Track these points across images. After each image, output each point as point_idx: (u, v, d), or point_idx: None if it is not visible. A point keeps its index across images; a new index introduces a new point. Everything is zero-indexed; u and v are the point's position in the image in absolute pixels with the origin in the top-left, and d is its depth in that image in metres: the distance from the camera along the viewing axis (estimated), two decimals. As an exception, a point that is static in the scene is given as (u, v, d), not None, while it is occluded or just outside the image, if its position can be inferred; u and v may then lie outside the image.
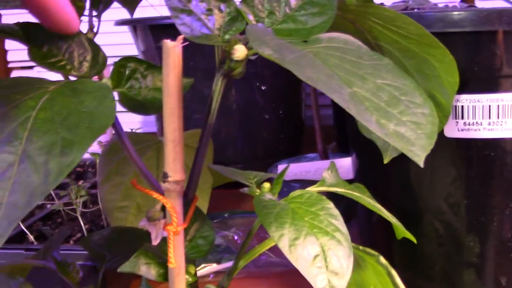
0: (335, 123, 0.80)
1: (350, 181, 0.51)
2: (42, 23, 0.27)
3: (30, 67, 1.15)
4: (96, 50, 0.29)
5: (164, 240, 0.29)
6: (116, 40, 1.08)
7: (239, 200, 0.75)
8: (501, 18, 0.32)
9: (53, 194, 0.58)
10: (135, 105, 0.29)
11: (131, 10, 0.36)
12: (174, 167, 0.26)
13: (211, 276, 0.54)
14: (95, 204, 0.57)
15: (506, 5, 0.81)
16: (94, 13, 0.31)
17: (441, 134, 0.36)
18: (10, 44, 1.13)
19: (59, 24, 0.27)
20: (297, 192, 0.31)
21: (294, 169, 0.59)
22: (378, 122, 0.22)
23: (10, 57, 1.14)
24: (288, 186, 0.55)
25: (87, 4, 0.31)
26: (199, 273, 0.53)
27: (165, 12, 0.89)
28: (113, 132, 0.30)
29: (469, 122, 0.36)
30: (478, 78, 0.35)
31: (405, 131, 0.23)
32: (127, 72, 0.29)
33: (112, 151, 0.43)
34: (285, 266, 0.53)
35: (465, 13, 0.33)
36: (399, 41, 0.34)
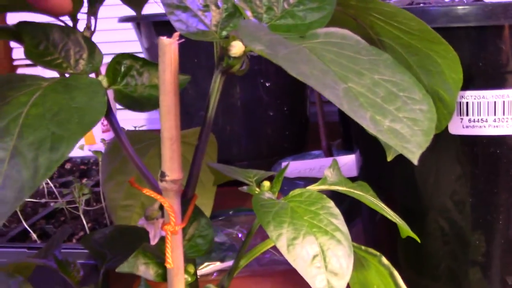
0: (340, 119, 0.79)
1: (354, 179, 0.51)
2: (35, 5, 0.27)
3: (35, 65, 1.15)
4: (92, 47, 0.29)
5: (163, 240, 0.29)
6: (120, 37, 1.08)
7: (243, 198, 0.75)
8: (507, 12, 0.31)
9: (56, 192, 0.58)
10: (131, 102, 0.29)
11: (138, 10, 0.36)
12: (171, 166, 0.26)
13: (215, 274, 0.53)
14: (98, 202, 0.57)
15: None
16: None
17: (445, 131, 0.36)
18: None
19: (52, 4, 0.27)
20: (297, 191, 0.30)
21: (298, 167, 0.59)
22: (372, 119, 0.22)
23: (15, 54, 1.15)
24: (292, 184, 0.55)
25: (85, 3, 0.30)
26: (203, 271, 0.53)
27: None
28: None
29: (474, 119, 0.35)
30: (483, 74, 0.34)
31: (400, 128, 0.22)
32: (122, 69, 0.29)
33: (115, 150, 0.43)
34: (289, 265, 0.52)
35: (470, 7, 0.32)
36: (401, 36, 0.33)
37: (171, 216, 0.27)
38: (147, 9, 0.84)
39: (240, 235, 0.60)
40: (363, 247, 0.34)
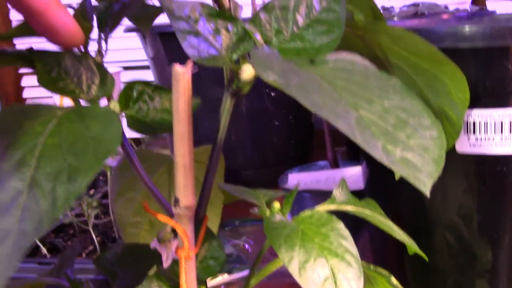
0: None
1: (361, 192, 0.51)
2: (47, 39, 0.28)
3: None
4: (104, 73, 0.29)
5: (176, 262, 0.29)
6: (125, 45, 1.08)
7: (249, 207, 0.75)
8: (513, 33, 0.32)
9: (65, 207, 0.58)
10: (143, 127, 0.29)
11: (145, 29, 0.37)
12: (185, 193, 0.26)
13: (222, 287, 0.54)
14: (107, 215, 0.57)
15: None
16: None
17: (452, 149, 0.36)
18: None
19: (65, 38, 0.28)
20: (307, 212, 0.31)
21: (305, 178, 0.59)
22: (384, 148, 0.22)
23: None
24: (299, 196, 0.55)
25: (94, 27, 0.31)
26: (210, 284, 0.53)
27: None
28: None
29: (481, 138, 0.35)
30: (490, 93, 0.34)
31: (412, 157, 0.23)
32: (135, 94, 0.29)
33: (125, 167, 0.43)
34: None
35: (477, 28, 0.32)
36: (408, 57, 0.34)
37: (185, 242, 0.27)
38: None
39: (247, 246, 0.60)
40: (372, 267, 0.34)
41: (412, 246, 0.33)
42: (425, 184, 0.21)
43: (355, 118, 0.23)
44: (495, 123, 0.35)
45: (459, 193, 0.38)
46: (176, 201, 0.26)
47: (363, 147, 0.22)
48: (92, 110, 0.25)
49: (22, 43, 1.16)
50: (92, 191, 0.65)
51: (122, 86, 0.96)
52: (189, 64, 0.26)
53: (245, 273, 0.54)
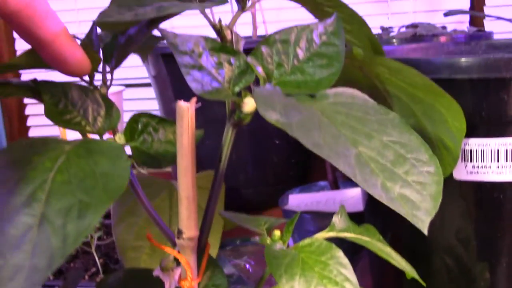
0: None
1: (361, 214, 0.51)
2: (55, 68, 0.28)
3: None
4: (110, 105, 0.30)
5: (177, 289, 0.30)
6: (127, 63, 1.09)
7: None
8: (509, 66, 0.33)
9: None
10: (148, 159, 0.30)
11: (144, 57, 0.37)
12: (188, 224, 0.27)
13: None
14: (109, 236, 0.58)
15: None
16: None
17: (450, 176, 0.37)
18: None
19: (73, 67, 0.28)
20: (307, 240, 0.32)
21: (305, 200, 0.60)
22: (383, 186, 0.23)
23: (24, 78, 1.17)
24: (299, 218, 0.55)
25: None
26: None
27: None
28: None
29: (478, 165, 0.36)
30: (486, 123, 0.35)
31: (410, 193, 0.23)
32: (139, 126, 0.30)
33: (127, 191, 0.43)
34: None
35: (473, 60, 0.33)
36: (406, 88, 0.35)
37: (188, 272, 0.28)
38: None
39: (247, 266, 0.61)
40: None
41: (410, 272, 0.34)
42: (423, 221, 0.22)
43: (354, 155, 0.24)
44: (491, 151, 0.36)
45: (458, 218, 0.39)
46: (180, 233, 0.27)
47: (363, 187, 0.22)
48: (100, 145, 0.26)
49: (27, 72, 1.17)
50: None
51: (123, 104, 0.97)
52: (193, 100, 0.26)
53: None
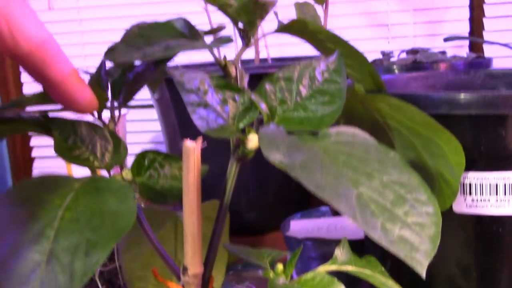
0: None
1: (361, 241, 0.52)
2: (64, 106, 0.29)
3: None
4: (117, 141, 0.31)
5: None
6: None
7: (259, 246, 0.76)
8: (506, 103, 0.33)
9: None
10: (154, 194, 0.30)
11: (153, 89, 0.38)
12: (193, 262, 0.27)
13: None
14: (112, 262, 0.58)
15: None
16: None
17: (450, 209, 0.37)
18: (27, 88, 1.16)
19: (81, 106, 0.29)
20: (310, 274, 0.32)
21: (306, 225, 0.60)
22: (383, 228, 0.24)
23: (25, 89, 1.18)
24: (301, 244, 0.56)
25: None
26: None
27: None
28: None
29: (477, 199, 0.37)
30: (485, 157, 0.36)
31: (409, 235, 0.24)
32: (146, 162, 0.31)
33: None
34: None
35: (471, 96, 0.34)
36: (406, 122, 0.35)
37: (192, 308, 0.28)
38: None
39: (249, 292, 0.61)
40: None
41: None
42: (421, 264, 0.23)
43: (355, 195, 0.25)
44: (490, 185, 0.36)
45: (458, 249, 0.39)
46: (185, 270, 0.28)
47: (363, 229, 0.23)
48: (108, 183, 0.27)
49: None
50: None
51: (127, 128, 0.98)
52: (199, 141, 0.27)
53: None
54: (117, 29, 1.10)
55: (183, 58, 0.34)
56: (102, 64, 0.34)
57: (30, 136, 1.19)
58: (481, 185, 0.36)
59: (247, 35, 0.34)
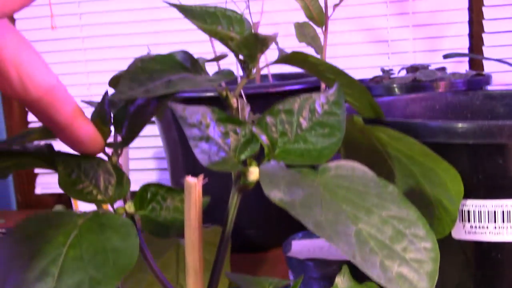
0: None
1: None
2: (69, 146, 0.30)
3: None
4: (120, 174, 0.31)
5: None
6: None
7: (258, 264, 0.76)
8: (503, 132, 0.34)
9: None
10: (156, 227, 0.31)
11: (159, 117, 0.39)
12: (194, 295, 0.28)
13: None
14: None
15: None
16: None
17: (449, 235, 0.38)
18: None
19: (87, 147, 0.30)
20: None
21: (308, 246, 0.61)
22: (382, 265, 0.24)
23: (30, 116, 1.18)
24: (303, 265, 0.56)
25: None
26: None
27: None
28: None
29: (476, 226, 0.37)
30: (483, 185, 0.36)
31: (408, 272, 0.24)
32: (149, 195, 0.31)
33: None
34: None
35: (468, 126, 0.35)
36: (405, 151, 0.36)
37: None
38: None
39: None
40: None
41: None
42: (420, 302, 0.23)
43: (355, 232, 0.25)
44: (488, 212, 0.37)
45: (457, 275, 0.40)
46: (188, 304, 0.28)
47: (361, 268, 0.23)
48: (111, 219, 0.27)
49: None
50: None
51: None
52: (200, 177, 0.28)
53: None
54: (121, 45, 1.11)
55: (183, 48, 0.35)
56: (105, 96, 0.34)
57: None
58: (480, 212, 0.37)
59: (248, 67, 0.35)
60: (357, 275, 0.40)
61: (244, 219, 0.80)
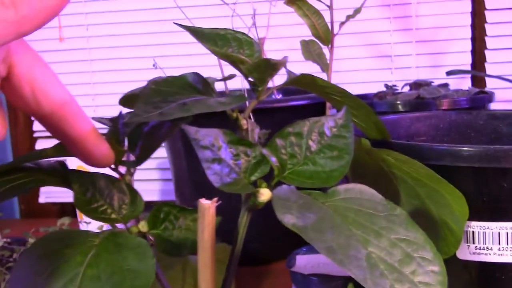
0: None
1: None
2: (81, 159, 0.31)
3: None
4: (134, 194, 0.32)
5: None
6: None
7: (261, 278, 0.77)
8: (508, 157, 0.35)
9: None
10: (169, 246, 0.32)
11: (170, 134, 0.40)
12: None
13: None
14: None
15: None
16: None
17: (454, 256, 0.38)
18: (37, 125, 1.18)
19: (98, 161, 0.30)
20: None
21: (312, 261, 0.61)
22: (392, 289, 0.25)
23: (35, 126, 1.19)
24: (307, 280, 0.57)
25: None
26: None
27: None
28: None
29: (480, 247, 0.38)
30: (487, 208, 0.37)
31: (417, 296, 0.25)
32: (162, 215, 0.32)
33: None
34: None
35: (474, 150, 0.35)
36: (411, 173, 0.37)
37: None
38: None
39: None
40: None
41: None
42: (428, 326, 0.24)
43: (365, 256, 0.26)
44: (492, 234, 0.37)
45: (461, 294, 0.40)
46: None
47: (373, 292, 0.24)
48: (127, 239, 0.28)
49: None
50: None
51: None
52: (214, 200, 0.29)
53: None
54: (126, 57, 1.12)
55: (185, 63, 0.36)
56: (119, 116, 0.35)
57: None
58: (484, 234, 0.38)
59: (258, 89, 0.36)
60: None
61: (247, 233, 0.81)
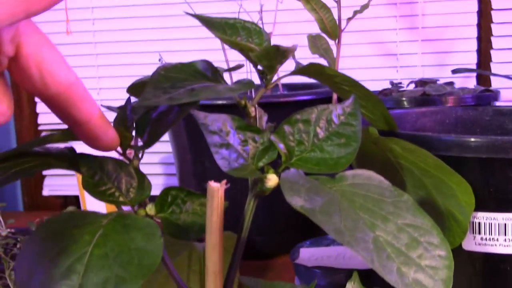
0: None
1: (369, 271, 0.53)
2: (87, 144, 0.31)
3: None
4: (142, 178, 0.32)
5: None
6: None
7: (264, 271, 0.77)
8: (515, 147, 0.35)
9: None
10: (176, 230, 0.32)
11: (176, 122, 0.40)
12: (213, 297, 0.28)
13: None
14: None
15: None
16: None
17: (459, 246, 0.38)
18: (41, 107, 1.18)
19: (104, 144, 0.30)
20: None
21: (315, 254, 0.61)
22: (399, 271, 0.25)
23: (40, 119, 1.19)
24: (310, 272, 0.57)
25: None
26: None
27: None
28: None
29: (486, 238, 0.38)
30: (494, 198, 0.37)
31: (423, 278, 0.25)
32: (169, 199, 0.32)
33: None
34: None
35: (481, 140, 0.35)
36: (418, 163, 0.37)
37: None
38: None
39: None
40: None
41: None
42: (435, 308, 0.24)
43: (372, 239, 0.26)
44: (499, 225, 0.37)
45: (467, 286, 0.40)
46: (206, 304, 0.29)
47: (379, 273, 0.24)
48: (135, 220, 0.28)
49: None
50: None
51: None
52: (223, 182, 0.29)
53: None
54: (132, 51, 1.12)
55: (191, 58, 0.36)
56: (128, 102, 0.35)
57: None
58: (490, 225, 0.38)
59: (266, 78, 0.36)
60: (367, 282, 0.41)
61: (251, 226, 0.81)
